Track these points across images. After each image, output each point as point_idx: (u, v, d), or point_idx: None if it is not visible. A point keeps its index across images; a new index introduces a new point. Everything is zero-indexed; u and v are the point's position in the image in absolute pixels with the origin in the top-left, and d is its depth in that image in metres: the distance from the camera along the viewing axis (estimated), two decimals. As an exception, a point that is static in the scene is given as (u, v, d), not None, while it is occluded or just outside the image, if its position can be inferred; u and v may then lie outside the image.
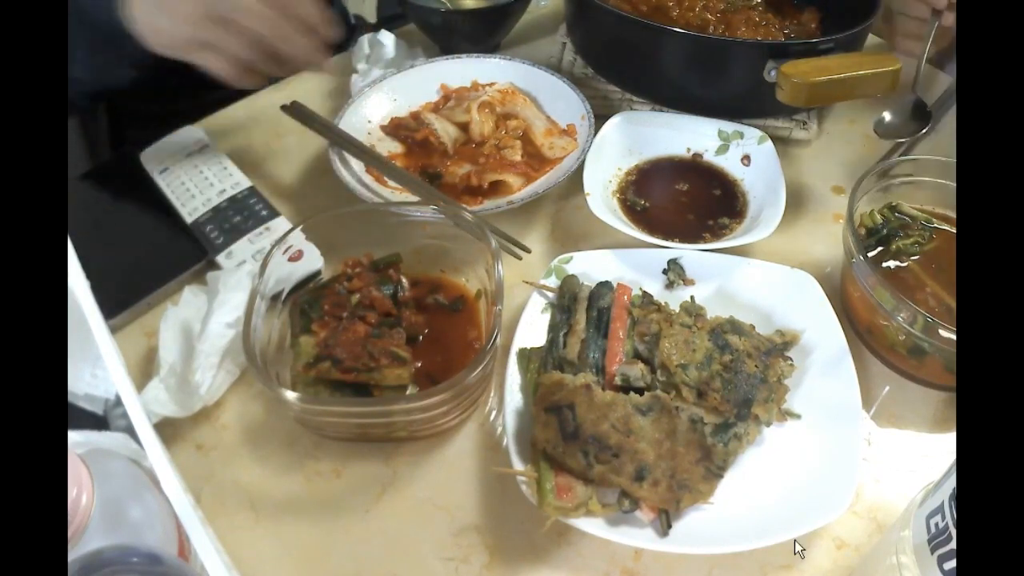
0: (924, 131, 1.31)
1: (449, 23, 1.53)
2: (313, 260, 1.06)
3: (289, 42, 1.08)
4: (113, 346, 0.73)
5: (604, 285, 1.06)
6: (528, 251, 1.16)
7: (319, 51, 1.12)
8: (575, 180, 1.21)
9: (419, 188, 1.21)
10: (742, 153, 1.30)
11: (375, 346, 0.96)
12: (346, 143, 1.25)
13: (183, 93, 1.28)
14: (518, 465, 0.90)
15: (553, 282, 1.09)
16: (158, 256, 1.17)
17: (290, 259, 1.03)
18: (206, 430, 1.00)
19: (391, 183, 1.25)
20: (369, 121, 1.35)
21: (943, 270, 1.06)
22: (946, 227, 1.12)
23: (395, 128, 1.36)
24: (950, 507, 0.65)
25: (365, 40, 1.49)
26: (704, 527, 0.87)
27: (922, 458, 0.98)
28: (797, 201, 1.28)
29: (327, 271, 1.08)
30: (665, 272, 1.12)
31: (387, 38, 1.50)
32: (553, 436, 0.87)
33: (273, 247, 1.00)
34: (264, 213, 1.21)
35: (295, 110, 1.32)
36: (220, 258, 1.15)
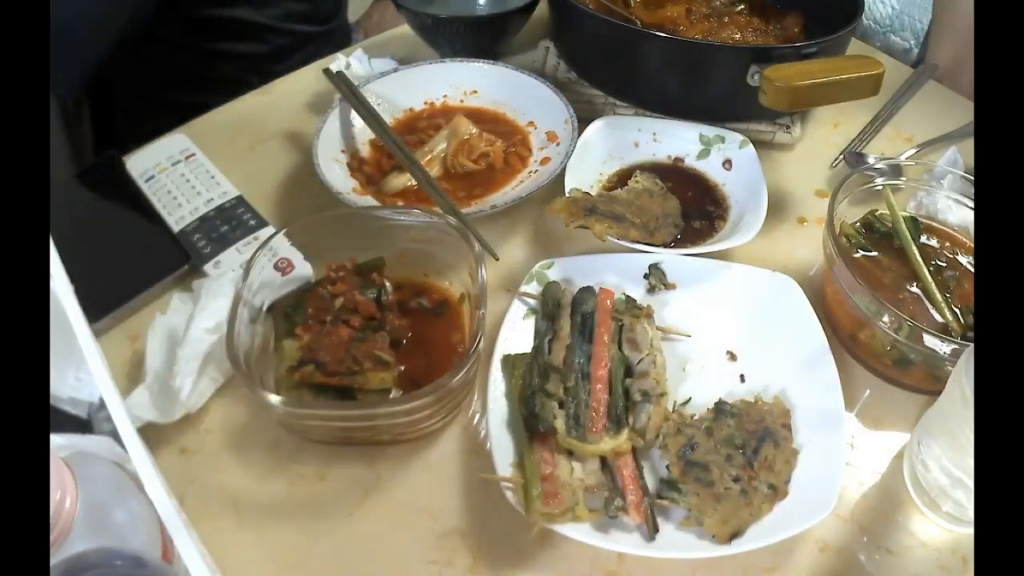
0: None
1: (450, 31, 1.52)
2: (303, 271, 1.06)
3: None
4: (97, 350, 0.73)
5: (586, 290, 1.06)
6: (496, 258, 1.16)
7: None
8: (558, 185, 1.21)
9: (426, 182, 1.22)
10: (723, 157, 1.31)
11: (359, 350, 0.96)
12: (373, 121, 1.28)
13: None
14: (502, 470, 0.90)
15: (534, 288, 1.09)
16: (142, 261, 1.17)
17: (279, 270, 1.04)
18: (190, 434, 1.00)
19: (371, 189, 1.25)
20: (352, 125, 1.35)
21: (927, 277, 1.06)
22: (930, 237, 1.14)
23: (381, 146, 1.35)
24: None
25: (341, 61, 1.49)
26: (688, 532, 0.87)
27: (903, 460, 0.98)
28: (780, 205, 1.29)
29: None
30: (646, 276, 1.12)
31: (360, 58, 1.50)
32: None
33: (256, 252, 1.00)
34: (252, 223, 1.21)
35: (338, 78, 1.37)
36: (208, 267, 1.15)
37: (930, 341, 0.92)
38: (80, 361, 0.73)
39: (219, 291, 1.03)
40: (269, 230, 1.20)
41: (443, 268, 1.10)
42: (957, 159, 1.27)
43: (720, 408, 0.97)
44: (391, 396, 0.98)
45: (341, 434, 0.99)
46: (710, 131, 1.33)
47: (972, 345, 0.80)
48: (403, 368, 1.01)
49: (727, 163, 1.30)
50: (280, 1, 1.77)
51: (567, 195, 1.17)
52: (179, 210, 1.22)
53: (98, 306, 1.08)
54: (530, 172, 1.29)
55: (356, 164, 1.30)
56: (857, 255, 1.11)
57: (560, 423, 0.91)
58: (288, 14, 1.79)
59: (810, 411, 0.97)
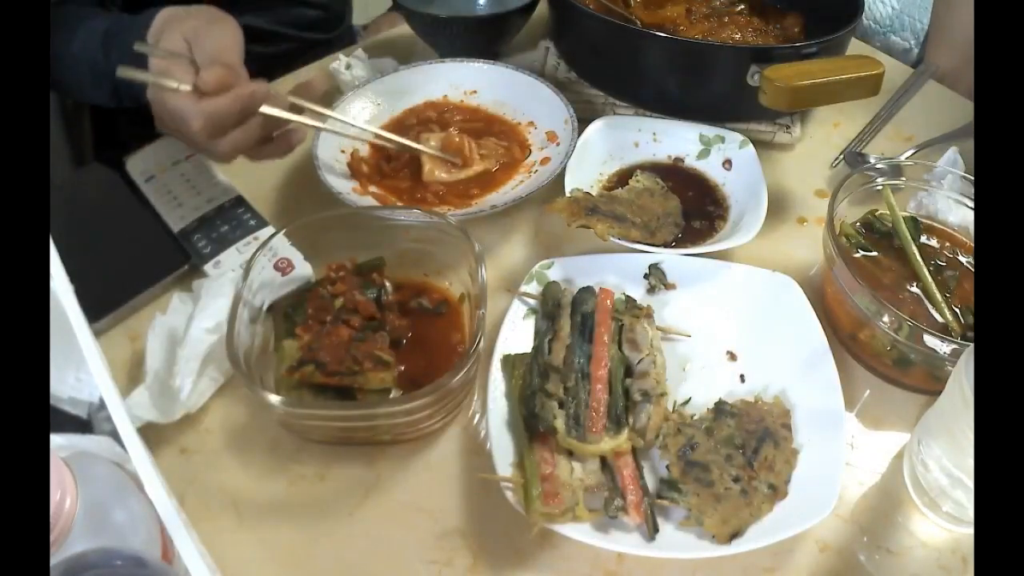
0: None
1: (450, 31, 1.52)
2: (303, 271, 1.06)
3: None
4: (97, 349, 0.73)
5: (586, 290, 1.06)
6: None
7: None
8: (558, 185, 1.21)
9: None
10: (723, 157, 1.31)
11: (359, 350, 0.96)
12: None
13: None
14: (502, 469, 0.90)
15: (534, 288, 1.09)
16: (142, 261, 1.17)
17: (279, 270, 1.04)
18: (190, 434, 1.00)
19: (373, 189, 1.25)
20: (352, 125, 1.34)
21: (927, 277, 1.06)
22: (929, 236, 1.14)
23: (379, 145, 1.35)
24: None
25: (341, 61, 1.49)
26: (688, 532, 0.87)
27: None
28: (780, 205, 1.29)
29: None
30: (647, 276, 1.12)
31: (361, 58, 1.50)
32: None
33: (256, 252, 1.00)
34: (252, 223, 1.21)
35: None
36: (208, 267, 1.15)
37: (930, 341, 0.92)
38: (80, 361, 0.73)
39: (219, 291, 1.03)
40: (269, 230, 1.20)
41: (443, 268, 1.10)
42: (957, 159, 1.27)
43: (720, 408, 0.97)
44: (391, 396, 0.98)
45: (341, 434, 0.99)
46: (710, 131, 1.33)
47: (972, 345, 0.80)
48: (403, 368, 1.01)
49: (727, 163, 1.30)
50: (292, 8, 1.77)
51: (568, 195, 1.17)
52: (179, 210, 1.22)
53: (98, 306, 1.08)
54: (530, 172, 1.29)
55: (356, 164, 1.29)
56: (857, 255, 1.11)
57: (560, 423, 0.91)
58: (298, 21, 1.79)
59: (810, 411, 0.97)
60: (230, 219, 1.21)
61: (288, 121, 1.10)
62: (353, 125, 1.30)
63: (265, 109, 1.06)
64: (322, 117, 1.23)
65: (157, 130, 1.11)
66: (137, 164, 1.29)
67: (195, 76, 1.01)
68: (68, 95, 1.35)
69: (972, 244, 1.12)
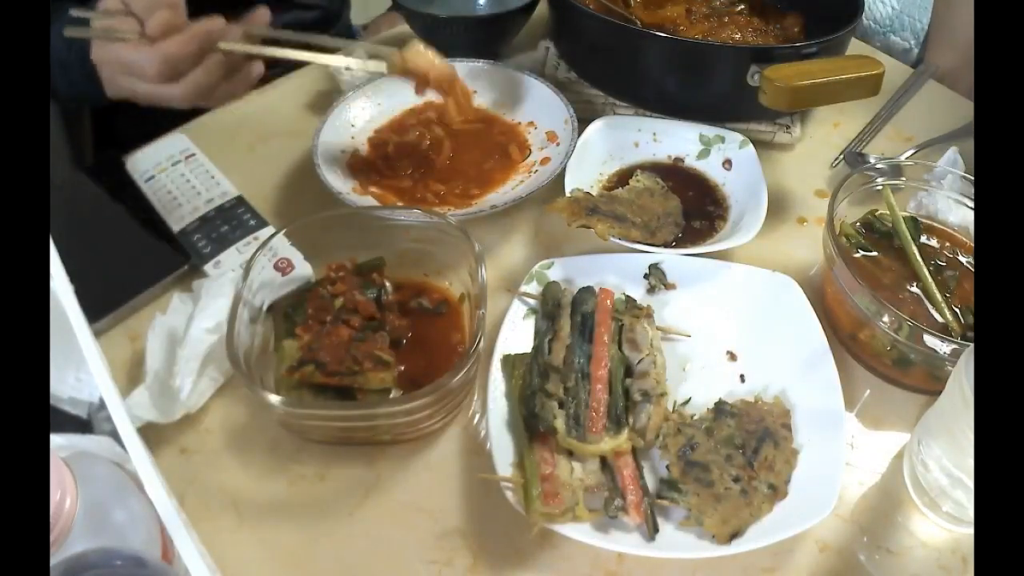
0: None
1: (450, 31, 1.51)
2: (303, 271, 1.06)
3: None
4: (97, 349, 0.73)
5: (586, 290, 1.06)
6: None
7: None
8: (558, 185, 1.21)
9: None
10: (723, 157, 1.31)
11: (359, 350, 0.96)
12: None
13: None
14: (502, 470, 0.90)
15: (534, 288, 1.09)
16: (142, 261, 1.16)
17: (279, 270, 1.04)
18: (190, 434, 1.00)
19: (373, 189, 1.25)
20: (352, 125, 1.35)
21: (927, 277, 1.06)
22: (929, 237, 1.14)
23: (379, 144, 1.35)
24: None
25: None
26: (688, 532, 0.87)
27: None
28: (780, 205, 1.29)
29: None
30: (647, 276, 1.12)
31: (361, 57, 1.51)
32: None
33: (256, 252, 1.00)
34: (252, 223, 1.21)
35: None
36: (208, 267, 1.15)
37: (930, 341, 0.92)
38: (80, 361, 0.73)
39: (219, 291, 1.03)
40: (269, 230, 1.20)
41: (443, 268, 1.10)
42: (957, 159, 1.27)
43: (720, 408, 0.97)
44: (391, 396, 0.98)
45: (341, 434, 0.98)
46: (710, 131, 1.33)
47: (972, 345, 0.80)
48: (403, 368, 1.01)
49: (727, 163, 1.30)
50: (289, 9, 1.77)
51: (568, 195, 1.17)
52: (179, 210, 1.22)
53: (98, 306, 1.08)
54: (530, 172, 1.29)
55: (356, 164, 1.29)
56: (857, 255, 1.11)
57: (560, 423, 0.91)
58: (295, 23, 1.79)
59: (810, 411, 0.97)
60: (230, 219, 1.21)
61: (245, 59, 1.10)
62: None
63: (224, 45, 1.05)
64: (284, 48, 1.19)
65: (108, 95, 1.11)
66: (137, 164, 1.29)
67: (140, 26, 1.02)
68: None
69: (972, 244, 1.12)
